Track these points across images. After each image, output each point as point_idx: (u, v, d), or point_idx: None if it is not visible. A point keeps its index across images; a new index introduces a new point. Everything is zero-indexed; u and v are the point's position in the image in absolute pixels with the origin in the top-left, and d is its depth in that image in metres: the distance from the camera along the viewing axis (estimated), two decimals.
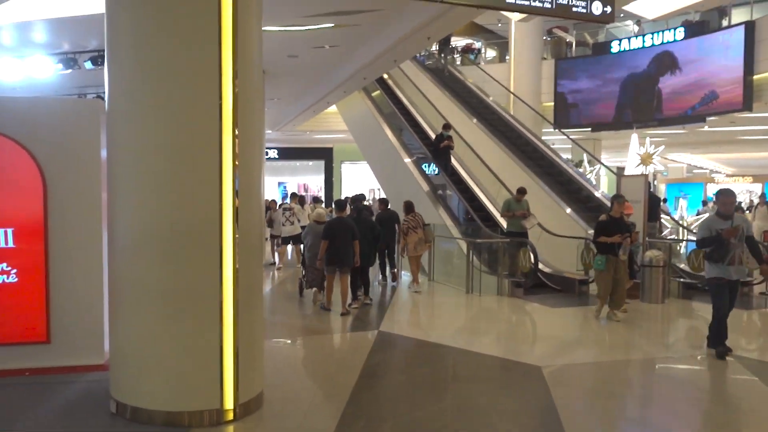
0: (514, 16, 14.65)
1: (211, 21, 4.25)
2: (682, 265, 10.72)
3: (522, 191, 10.79)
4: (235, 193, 4.37)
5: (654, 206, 10.85)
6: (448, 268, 11.61)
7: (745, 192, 30.32)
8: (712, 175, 34.73)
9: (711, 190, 31.33)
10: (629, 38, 17.74)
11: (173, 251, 4.32)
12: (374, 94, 16.79)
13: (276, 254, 14.08)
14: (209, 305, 4.39)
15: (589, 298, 9.69)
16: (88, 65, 10.56)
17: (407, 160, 14.09)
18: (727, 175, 35.10)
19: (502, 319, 8.77)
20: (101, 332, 5.59)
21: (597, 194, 12.58)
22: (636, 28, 19.07)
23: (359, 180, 25.03)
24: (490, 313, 9.05)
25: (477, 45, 22.73)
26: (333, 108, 18.20)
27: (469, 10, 8.19)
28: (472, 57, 21.55)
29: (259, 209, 4.91)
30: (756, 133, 22.87)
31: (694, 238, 11.38)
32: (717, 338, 6.34)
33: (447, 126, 13.30)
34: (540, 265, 10.24)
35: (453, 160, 13.34)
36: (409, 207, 10.55)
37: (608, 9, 5.18)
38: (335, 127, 20.64)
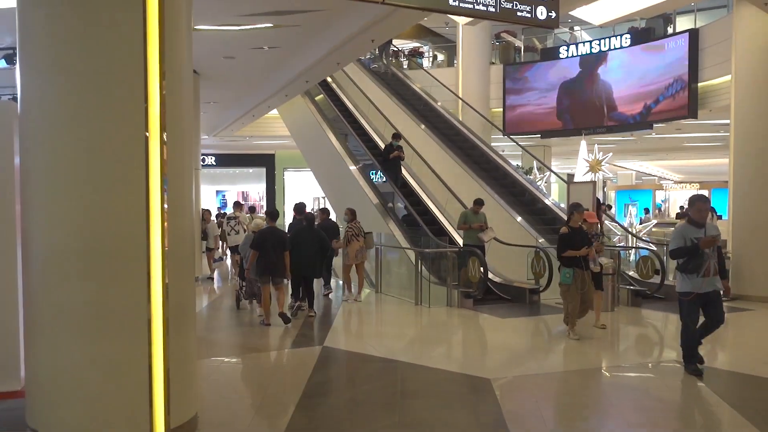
0: (461, 20, 14.86)
1: (134, 15, 4.13)
2: (630, 273, 11.04)
3: (479, 203, 10.86)
4: (164, 202, 4.24)
5: (597, 208, 11.15)
6: (397, 279, 11.65)
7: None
8: (661, 182, 36.20)
9: (659, 196, 32.70)
10: (577, 44, 18.31)
11: (95, 266, 4.16)
12: (317, 98, 16.71)
13: (216, 269, 13.86)
14: (136, 324, 4.23)
15: (540, 308, 9.88)
16: (2, 64, 10.12)
17: (353, 167, 14.07)
18: (675, 182, 36.68)
19: (452, 331, 8.84)
20: (17, 356, 5.32)
21: (547, 202, 12.85)
22: (577, 35, 19.72)
23: (304, 188, 24.86)
24: (439, 326, 9.11)
25: (424, 49, 22.92)
26: (274, 112, 18.00)
27: (413, 12, 8.22)
28: (420, 61, 21.75)
29: (190, 219, 4.79)
30: (701, 140, 23.99)
31: (642, 245, 11.89)
32: (691, 356, 6.25)
33: (397, 136, 13.27)
34: (490, 275, 10.34)
35: (402, 170, 13.37)
36: (353, 214, 10.71)
37: (553, 14, 5.32)
38: (277, 132, 20.37)
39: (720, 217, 20.84)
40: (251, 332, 8.36)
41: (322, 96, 16.71)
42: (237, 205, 14.76)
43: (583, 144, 17.28)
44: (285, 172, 26.86)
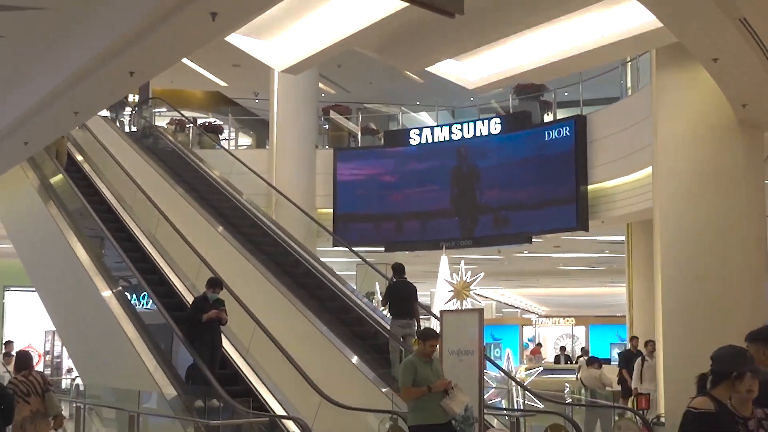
0: (277, 66, 13.66)
1: None
2: None
3: (429, 336, 7.39)
4: None
5: (410, 299, 10.86)
6: None
7: (566, 337, 32.60)
8: (527, 316, 37.30)
9: (527, 333, 33.29)
10: (432, 128, 18.28)
11: None
12: (54, 179, 15.41)
13: None
14: None
15: None
16: None
17: (107, 293, 12.55)
18: (540, 316, 38.01)
19: None
20: None
21: None
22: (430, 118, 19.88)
23: (35, 317, 22.35)
24: None
25: (225, 125, 22.80)
26: None
27: (204, 27, 7.01)
28: (218, 147, 21.36)
29: None
30: (581, 262, 24.75)
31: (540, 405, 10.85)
32: None
33: (215, 283, 10.82)
34: None
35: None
36: (23, 361, 9.72)
37: None
38: None
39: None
40: None
41: (61, 177, 15.36)
42: None
43: (444, 260, 16.91)
44: (6, 293, 25.01)
